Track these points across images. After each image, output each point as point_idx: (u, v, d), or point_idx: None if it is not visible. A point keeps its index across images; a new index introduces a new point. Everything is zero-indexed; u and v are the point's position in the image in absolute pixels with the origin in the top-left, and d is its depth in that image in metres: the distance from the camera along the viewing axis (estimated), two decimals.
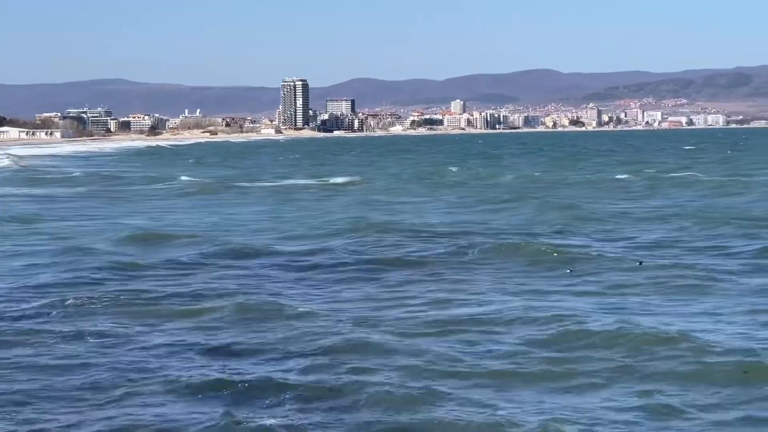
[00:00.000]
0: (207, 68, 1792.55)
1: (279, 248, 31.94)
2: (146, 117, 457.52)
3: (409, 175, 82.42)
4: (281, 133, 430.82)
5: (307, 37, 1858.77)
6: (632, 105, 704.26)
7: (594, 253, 29.91)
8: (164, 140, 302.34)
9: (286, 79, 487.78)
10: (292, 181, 73.80)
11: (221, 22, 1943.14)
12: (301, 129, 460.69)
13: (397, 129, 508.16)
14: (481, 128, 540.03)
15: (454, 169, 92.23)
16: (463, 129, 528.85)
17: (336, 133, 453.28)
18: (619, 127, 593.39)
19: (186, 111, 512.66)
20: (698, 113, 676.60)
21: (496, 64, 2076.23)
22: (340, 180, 72.05)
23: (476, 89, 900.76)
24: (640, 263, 27.80)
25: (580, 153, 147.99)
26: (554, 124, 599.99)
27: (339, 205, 50.19)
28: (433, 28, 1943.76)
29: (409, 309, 21.78)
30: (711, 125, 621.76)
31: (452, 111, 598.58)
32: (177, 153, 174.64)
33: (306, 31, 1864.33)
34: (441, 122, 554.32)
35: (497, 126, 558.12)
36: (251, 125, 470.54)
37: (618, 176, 74.71)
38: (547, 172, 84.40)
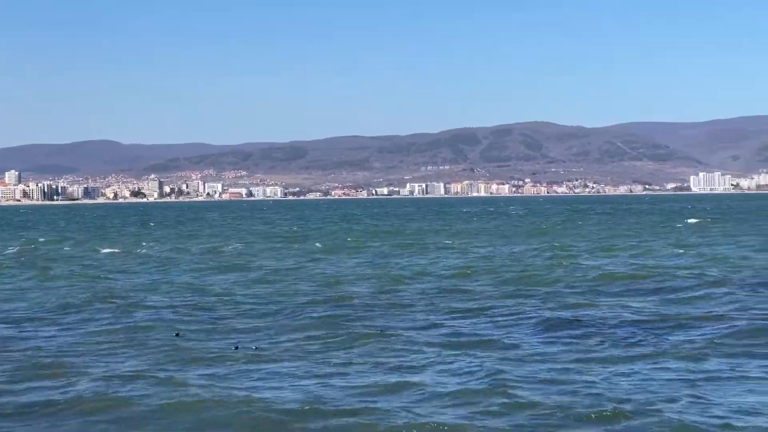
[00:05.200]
0: None
1: None
2: None
3: None
4: None
5: None
6: (193, 176, 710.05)
7: None
8: None
9: None
10: None
11: None
12: None
13: None
14: (38, 199, 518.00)
15: None
16: (19, 200, 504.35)
17: None
18: (180, 198, 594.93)
19: None
20: (257, 185, 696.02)
21: (54, 134, 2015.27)
22: None
23: (33, 159, 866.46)
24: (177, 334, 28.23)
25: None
26: (115, 195, 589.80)
27: None
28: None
29: None
30: (270, 196, 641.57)
31: (6, 182, 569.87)
32: None
33: None
34: None
35: (55, 197, 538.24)
36: None
37: None
38: None
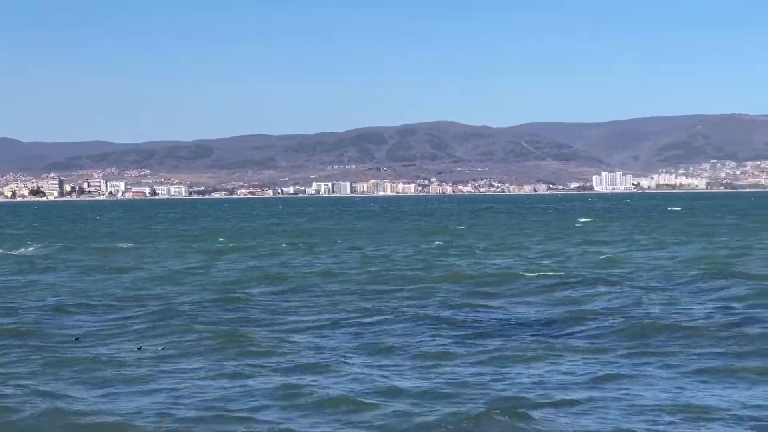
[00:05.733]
0: None
1: None
2: None
3: None
4: None
5: None
6: (95, 175, 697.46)
7: None
8: None
9: None
10: None
11: None
12: None
13: None
14: None
15: None
16: None
17: None
18: (82, 197, 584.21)
19: None
20: (162, 184, 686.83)
21: None
22: None
23: None
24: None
25: None
26: (14, 194, 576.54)
27: None
28: None
29: None
30: (174, 195, 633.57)
31: None
32: None
33: None
34: None
35: None
36: None
37: None
38: None
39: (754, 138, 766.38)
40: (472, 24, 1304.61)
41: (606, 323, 32.04)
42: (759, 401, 20.98)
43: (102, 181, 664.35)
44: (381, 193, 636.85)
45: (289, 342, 29.04)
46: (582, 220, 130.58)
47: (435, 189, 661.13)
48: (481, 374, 23.96)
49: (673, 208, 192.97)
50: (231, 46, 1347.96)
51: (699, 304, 37.03)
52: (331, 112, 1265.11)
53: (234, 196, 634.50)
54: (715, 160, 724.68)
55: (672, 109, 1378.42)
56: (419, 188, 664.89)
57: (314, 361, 25.87)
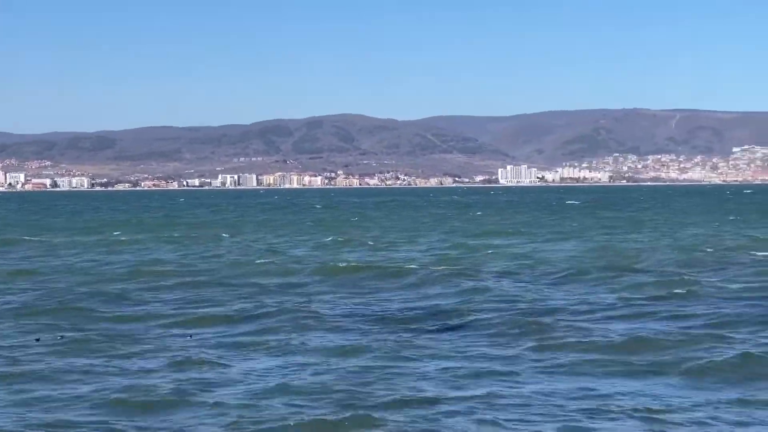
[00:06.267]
0: None
1: None
2: None
3: None
4: None
5: None
6: None
7: None
8: None
9: None
10: None
11: None
12: None
13: None
14: None
15: None
16: None
17: None
18: None
19: None
20: (63, 175, 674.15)
21: None
22: None
23: None
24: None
25: None
26: None
27: None
28: None
29: None
30: (76, 187, 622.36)
31: None
32: None
33: None
34: None
35: None
36: None
37: None
38: None
39: (656, 132, 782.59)
40: (379, 18, 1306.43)
41: (470, 318, 31.59)
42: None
43: (1, 173, 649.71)
44: (287, 186, 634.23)
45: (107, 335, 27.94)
46: (479, 213, 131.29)
47: (342, 182, 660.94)
48: (327, 371, 23.18)
49: (572, 202, 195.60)
50: (136, 37, 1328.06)
51: (562, 298, 36.90)
52: (238, 104, 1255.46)
53: (138, 188, 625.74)
54: (617, 154, 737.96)
55: (576, 103, 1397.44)
56: (326, 181, 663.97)
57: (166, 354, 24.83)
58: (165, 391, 21.01)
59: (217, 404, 19.88)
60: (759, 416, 19.08)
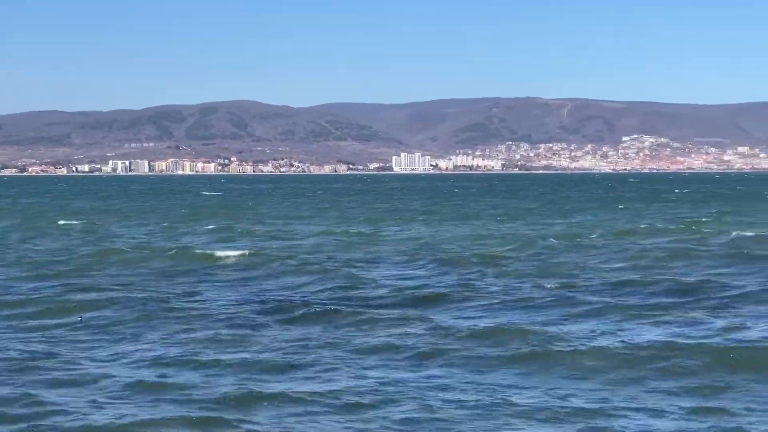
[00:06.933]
0: None
1: None
2: None
3: None
4: None
5: None
6: None
7: None
8: None
9: None
10: None
11: None
12: None
13: None
14: None
15: None
16: None
17: None
18: None
19: None
20: None
21: None
22: None
23: None
24: None
25: None
26: None
27: None
28: None
29: None
30: None
31: None
32: None
33: None
34: None
35: None
36: None
37: None
38: None
39: (547, 121, 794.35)
40: (272, 4, 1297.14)
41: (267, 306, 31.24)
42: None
43: None
44: (180, 172, 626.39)
45: None
46: (349, 199, 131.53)
47: (235, 168, 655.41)
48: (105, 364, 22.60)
49: (456, 190, 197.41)
50: (22, 21, 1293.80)
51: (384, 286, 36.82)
52: (128, 88, 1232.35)
53: (25, 173, 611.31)
54: (510, 142, 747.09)
55: (469, 91, 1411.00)
56: (219, 167, 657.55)
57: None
58: None
59: None
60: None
